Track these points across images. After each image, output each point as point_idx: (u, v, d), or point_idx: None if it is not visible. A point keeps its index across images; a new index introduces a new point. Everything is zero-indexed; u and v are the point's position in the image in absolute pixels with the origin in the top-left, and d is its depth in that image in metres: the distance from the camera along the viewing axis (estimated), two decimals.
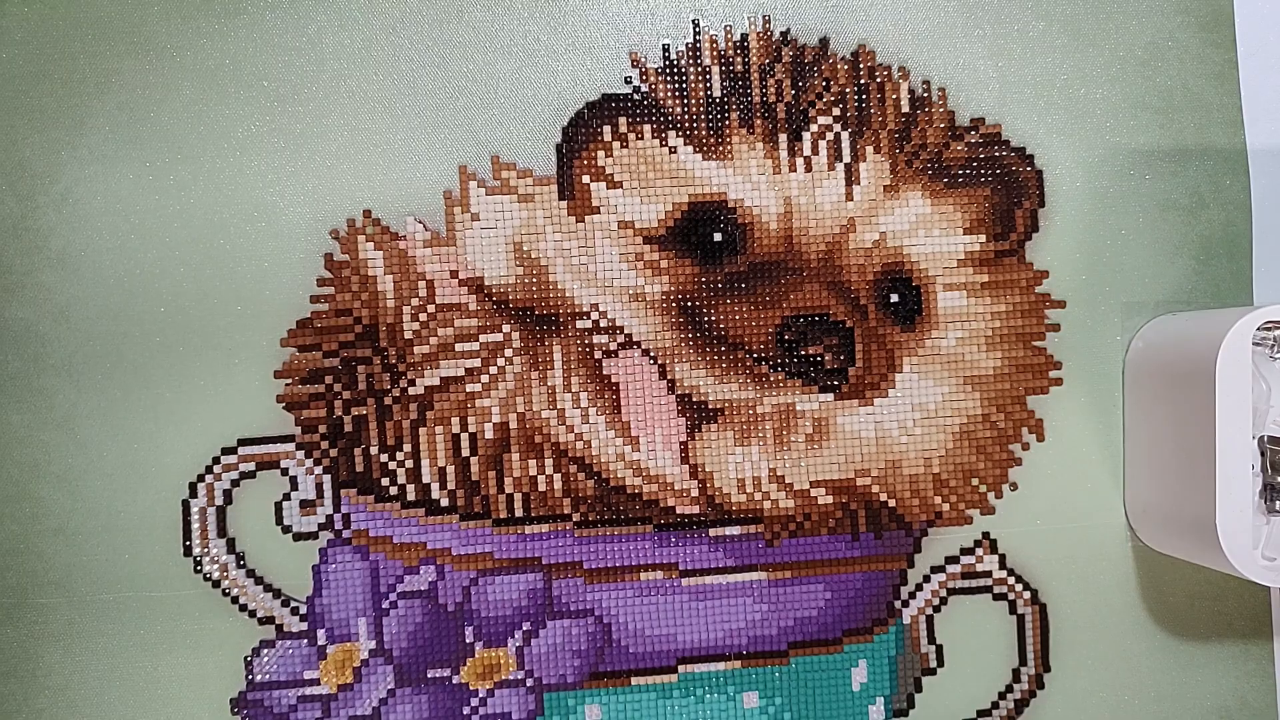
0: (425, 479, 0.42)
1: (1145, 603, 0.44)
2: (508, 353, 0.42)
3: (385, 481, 0.42)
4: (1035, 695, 0.44)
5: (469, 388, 0.42)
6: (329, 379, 0.42)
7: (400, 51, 0.42)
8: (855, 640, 0.43)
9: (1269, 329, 0.39)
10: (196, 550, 0.42)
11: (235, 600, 0.42)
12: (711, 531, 0.43)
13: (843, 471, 0.43)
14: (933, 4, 0.43)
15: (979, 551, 0.44)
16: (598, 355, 0.42)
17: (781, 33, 0.43)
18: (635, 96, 0.42)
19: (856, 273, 0.42)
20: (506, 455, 0.42)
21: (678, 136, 0.42)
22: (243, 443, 0.42)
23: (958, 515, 0.43)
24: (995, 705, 0.44)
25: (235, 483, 0.42)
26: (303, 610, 0.42)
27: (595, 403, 0.42)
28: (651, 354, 0.42)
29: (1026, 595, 0.44)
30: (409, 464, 0.42)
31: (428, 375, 0.42)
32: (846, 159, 0.42)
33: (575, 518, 0.43)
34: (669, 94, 0.42)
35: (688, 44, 0.43)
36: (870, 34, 0.43)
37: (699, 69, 0.42)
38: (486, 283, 0.42)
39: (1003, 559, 0.44)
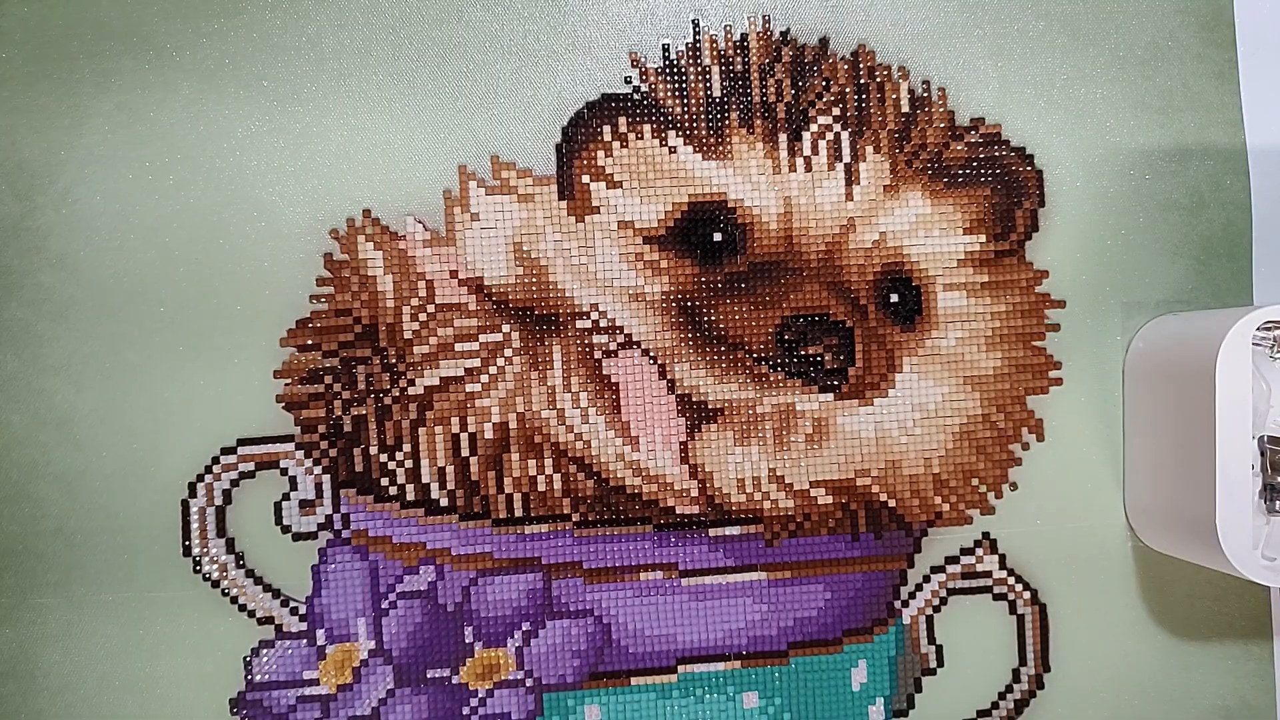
0: (425, 479, 0.42)
1: (1145, 603, 0.44)
2: (507, 353, 0.42)
3: (385, 481, 0.42)
4: (1035, 695, 0.44)
5: (469, 388, 0.42)
6: (328, 379, 0.42)
7: (400, 51, 0.42)
8: (855, 640, 0.43)
9: (1269, 329, 0.39)
10: (196, 550, 0.42)
11: (234, 600, 0.42)
12: (711, 531, 0.43)
13: (843, 471, 0.43)
14: (933, 4, 0.43)
15: (979, 551, 0.44)
16: (598, 355, 0.42)
17: (781, 33, 0.43)
18: (635, 96, 0.42)
19: (856, 273, 0.42)
20: (506, 455, 0.42)
21: (678, 136, 0.42)
22: (242, 443, 0.42)
23: (958, 515, 0.43)
24: (995, 705, 0.44)
25: (235, 483, 0.42)
26: (302, 610, 0.42)
27: (595, 403, 0.42)
28: (651, 354, 0.42)
29: (1026, 595, 0.44)
30: (408, 464, 0.42)
31: (427, 375, 0.42)
32: (846, 159, 0.42)
33: (575, 518, 0.42)
34: (669, 94, 0.42)
35: (688, 44, 0.43)
36: (870, 34, 0.43)
37: (699, 69, 0.42)
38: (486, 283, 0.42)
39: (1003, 559, 0.44)
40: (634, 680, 0.43)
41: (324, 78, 0.42)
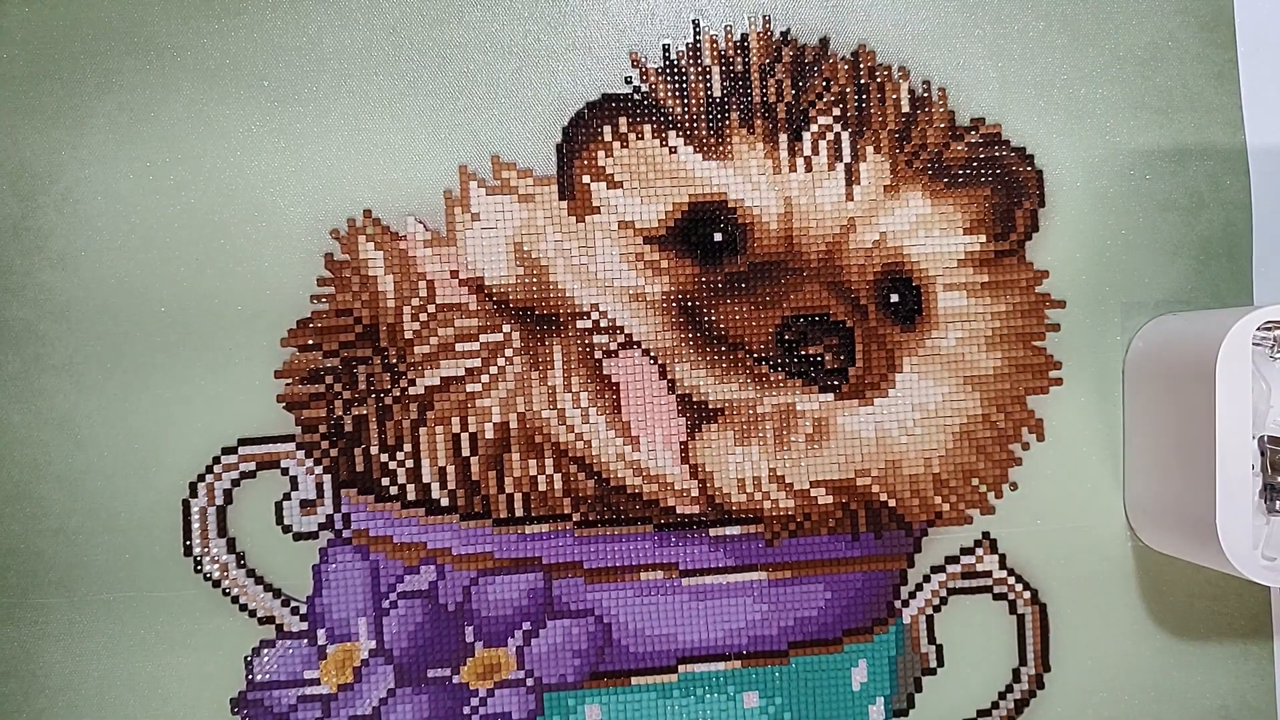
0: (425, 479, 0.42)
1: (1145, 603, 0.44)
2: (508, 353, 0.42)
3: (385, 481, 0.42)
4: (1035, 695, 0.44)
5: (469, 387, 0.42)
6: (329, 379, 0.42)
7: (400, 52, 0.42)
8: (855, 640, 0.43)
9: (1269, 329, 0.39)
10: (197, 550, 0.42)
11: (235, 600, 0.42)
12: (711, 531, 0.43)
13: (843, 471, 0.43)
14: (933, 4, 0.43)
15: (979, 551, 0.44)
16: (598, 355, 0.42)
17: (781, 33, 0.43)
18: (635, 96, 0.42)
19: (856, 273, 0.42)
20: (506, 455, 0.42)
21: (678, 136, 0.42)
22: (243, 442, 0.42)
23: (958, 515, 0.43)
24: (995, 705, 0.44)
25: (235, 482, 0.42)
26: (303, 610, 0.42)
27: (595, 403, 0.42)
28: (651, 354, 0.42)
29: (1026, 595, 0.44)
30: (409, 464, 0.42)
31: (428, 375, 0.42)
32: (846, 159, 0.42)
33: (575, 518, 0.43)
34: (669, 94, 0.42)
35: (688, 44, 0.43)
36: (870, 34, 0.43)
37: (699, 69, 0.43)
38: (487, 283, 0.42)
39: (1003, 559, 0.44)
40: (634, 680, 0.43)
41: (325, 78, 0.42)
